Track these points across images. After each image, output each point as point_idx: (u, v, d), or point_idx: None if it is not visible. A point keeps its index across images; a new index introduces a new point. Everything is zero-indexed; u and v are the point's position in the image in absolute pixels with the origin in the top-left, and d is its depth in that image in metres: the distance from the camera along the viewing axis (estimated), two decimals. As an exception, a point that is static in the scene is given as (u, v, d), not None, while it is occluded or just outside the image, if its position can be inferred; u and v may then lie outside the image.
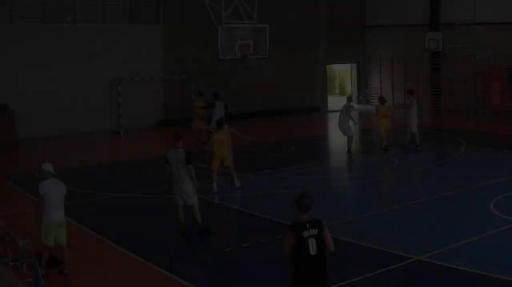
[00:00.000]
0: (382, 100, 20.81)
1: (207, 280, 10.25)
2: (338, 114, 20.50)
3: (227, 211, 13.89)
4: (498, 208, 12.65)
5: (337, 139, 22.30)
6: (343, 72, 37.60)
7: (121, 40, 25.87)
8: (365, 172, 17.34)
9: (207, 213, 12.54)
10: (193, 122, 21.21)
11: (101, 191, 15.50)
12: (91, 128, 25.37)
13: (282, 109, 30.37)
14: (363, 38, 33.50)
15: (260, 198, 14.72)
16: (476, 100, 28.83)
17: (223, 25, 22.35)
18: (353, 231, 11.62)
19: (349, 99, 20.60)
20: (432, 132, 24.46)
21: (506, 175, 15.70)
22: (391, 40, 31.87)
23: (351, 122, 19.75)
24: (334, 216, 12.73)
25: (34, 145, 23.09)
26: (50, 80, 24.38)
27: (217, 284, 9.89)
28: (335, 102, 33.66)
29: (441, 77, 30.03)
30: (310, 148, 21.31)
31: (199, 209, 11.89)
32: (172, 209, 12.21)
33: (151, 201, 14.58)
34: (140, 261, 10.46)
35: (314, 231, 6.89)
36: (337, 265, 10.04)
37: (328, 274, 6.99)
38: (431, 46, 28.87)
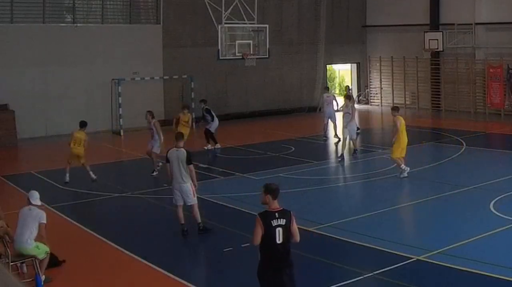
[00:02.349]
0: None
1: (207, 280, 10.26)
2: (337, 113, 21.22)
3: (227, 211, 13.88)
4: (498, 208, 12.64)
5: (336, 139, 22.29)
6: (343, 72, 37.61)
7: (121, 40, 25.85)
8: (365, 172, 17.33)
9: (207, 213, 12.55)
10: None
11: (101, 191, 15.50)
12: (91, 128, 25.29)
13: (282, 109, 30.37)
14: (363, 38, 33.50)
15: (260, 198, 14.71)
16: (476, 100, 28.84)
17: (223, 25, 22.35)
18: (353, 231, 11.62)
19: (327, 89, 24.42)
20: (432, 132, 24.46)
21: (506, 175, 15.68)
22: (391, 40, 31.86)
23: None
24: (334, 216, 12.75)
25: (34, 145, 23.10)
26: (50, 80, 24.38)
27: (217, 284, 9.90)
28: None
29: (441, 77, 30.03)
30: (310, 148, 21.30)
31: (199, 209, 11.91)
32: (172, 209, 12.22)
33: (150, 201, 14.58)
34: (140, 261, 10.46)
35: (282, 221, 7.29)
36: (337, 265, 10.08)
37: (292, 262, 7.39)
38: (431, 46, 28.86)
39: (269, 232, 7.24)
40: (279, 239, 7.25)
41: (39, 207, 9.58)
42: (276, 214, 7.30)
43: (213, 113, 21.42)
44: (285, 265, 7.38)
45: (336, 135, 21.99)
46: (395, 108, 16.71)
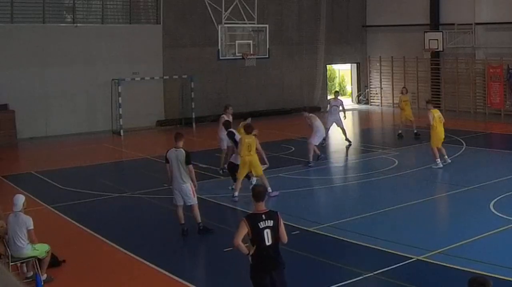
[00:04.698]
0: (405, 90, 23.75)
1: (207, 280, 10.26)
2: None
3: (227, 211, 13.88)
4: (498, 208, 12.64)
5: (337, 139, 22.29)
6: (343, 72, 37.63)
7: (121, 40, 25.85)
8: (365, 172, 17.32)
9: (207, 213, 12.55)
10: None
11: (101, 191, 15.50)
12: (91, 128, 25.37)
13: (282, 109, 30.36)
14: (363, 38, 33.50)
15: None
16: (476, 100, 28.83)
17: (223, 25, 22.35)
18: (353, 231, 11.62)
19: (337, 93, 23.01)
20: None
21: (506, 175, 15.68)
22: (391, 40, 31.86)
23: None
24: (335, 216, 12.75)
25: (34, 145, 23.11)
26: (50, 80, 24.37)
27: (217, 284, 9.90)
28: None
29: (441, 77, 30.03)
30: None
31: (199, 209, 11.91)
32: (172, 209, 12.22)
33: (151, 201, 14.58)
34: (140, 261, 10.46)
35: (270, 223, 7.26)
36: (337, 265, 10.08)
37: (282, 261, 7.38)
38: (431, 46, 28.86)
39: (257, 235, 7.21)
40: (268, 241, 7.22)
41: (23, 212, 9.47)
42: (263, 216, 7.27)
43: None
44: (276, 266, 7.37)
45: (347, 139, 21.08)
46: (428, 101, 17.98)
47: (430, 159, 18.99)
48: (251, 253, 7.31)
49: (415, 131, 22.11)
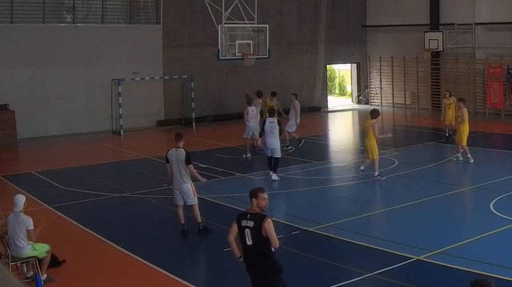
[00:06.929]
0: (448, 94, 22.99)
1: (207, 280, 10.26)
2: (337, 113, 21.02)
3: (227, 211, 13.87)
4: (498, 208, 12.64)
5: (336, 139, 22.28)
6: (343, 72, 37.62)
7: (121, 40, 25.84)
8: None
9: (207, 213, 12.55)
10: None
11: (101, 191, 15.50)
12: (91, 128, 25.36)
13: (282, 109, 30.29)
14: (363, 38, 33.50)
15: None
16: (476, 100, 28.83)
17: (223, 25, 22.34)
18: (353, 231, 11.62)
19: (295, 95, 22.38)
20: (432, 132, 24.44)
21: (506, 175, 15.68)
22: (391, 40, 31.85)
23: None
24: (334, 216, 12.75)
25: (34, 145, 23.10)
26: (50, 80, 24.37)
27: (217, 284, 9.90)
28: (335, 102, 33.74)
29: (441, 77, 30.04)
30: (310, 148, 21.28)
31: (199, 209, 11.91)
32: (172, 209, 12.23)
33: (150, 201, 14.58)
34: (140, 261, 10.46)
35: (250, 223, 7.37)
36: (337, 265, 10.08)
37: (271, 266, 7.34)
38: (431, 46, 28.87)
39: (240, 232, 7.42)
40: (248, 241, 7.34)
41: (23, 212, 9.49)
42: (248, 215, 7.43)
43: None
44: (262, 270, 7.39)
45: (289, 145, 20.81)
46: (461, 100, 18.47)
47: (430, 159, 19.03)
48: (242, 256, 7.49)
49: (450, 133, 21.52)
